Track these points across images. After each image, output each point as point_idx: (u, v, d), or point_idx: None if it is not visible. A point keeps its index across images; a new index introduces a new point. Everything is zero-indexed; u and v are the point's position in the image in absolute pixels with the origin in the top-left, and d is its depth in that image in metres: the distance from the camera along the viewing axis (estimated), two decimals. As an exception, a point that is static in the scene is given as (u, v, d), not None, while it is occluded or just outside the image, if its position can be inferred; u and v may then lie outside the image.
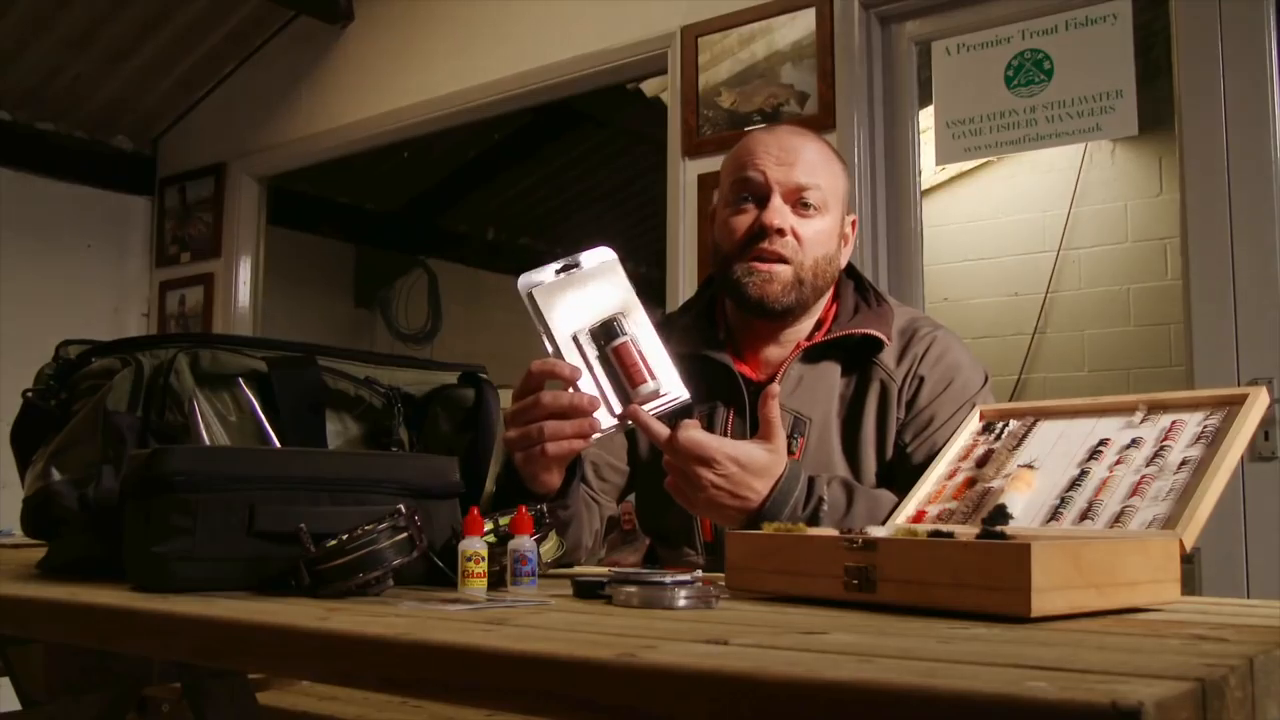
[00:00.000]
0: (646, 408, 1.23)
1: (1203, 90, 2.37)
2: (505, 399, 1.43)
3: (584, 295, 1.25)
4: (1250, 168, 2.32)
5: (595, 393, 1.21)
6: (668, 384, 1.23)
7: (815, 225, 1.47)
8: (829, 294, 1.56)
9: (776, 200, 1.45)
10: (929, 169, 3.39)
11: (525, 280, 1.26)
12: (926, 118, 2.87)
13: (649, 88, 3.99)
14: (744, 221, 1.47)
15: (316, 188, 5.20)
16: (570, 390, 1.22)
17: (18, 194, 4.18)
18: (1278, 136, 2.30)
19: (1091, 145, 4.38)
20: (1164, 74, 2.57)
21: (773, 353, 1.54)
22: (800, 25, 2.92)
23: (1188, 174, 2.39)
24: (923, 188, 2.98)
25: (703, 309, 1.60)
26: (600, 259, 1.27)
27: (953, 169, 4.57)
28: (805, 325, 1.54)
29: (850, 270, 1.60)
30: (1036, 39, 2.63)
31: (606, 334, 1.23)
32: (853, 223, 1.57)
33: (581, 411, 1.21)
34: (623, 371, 1.21)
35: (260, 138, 4.25)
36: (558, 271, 1.26)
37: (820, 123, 2.84)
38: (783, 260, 1.45)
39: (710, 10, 3.08)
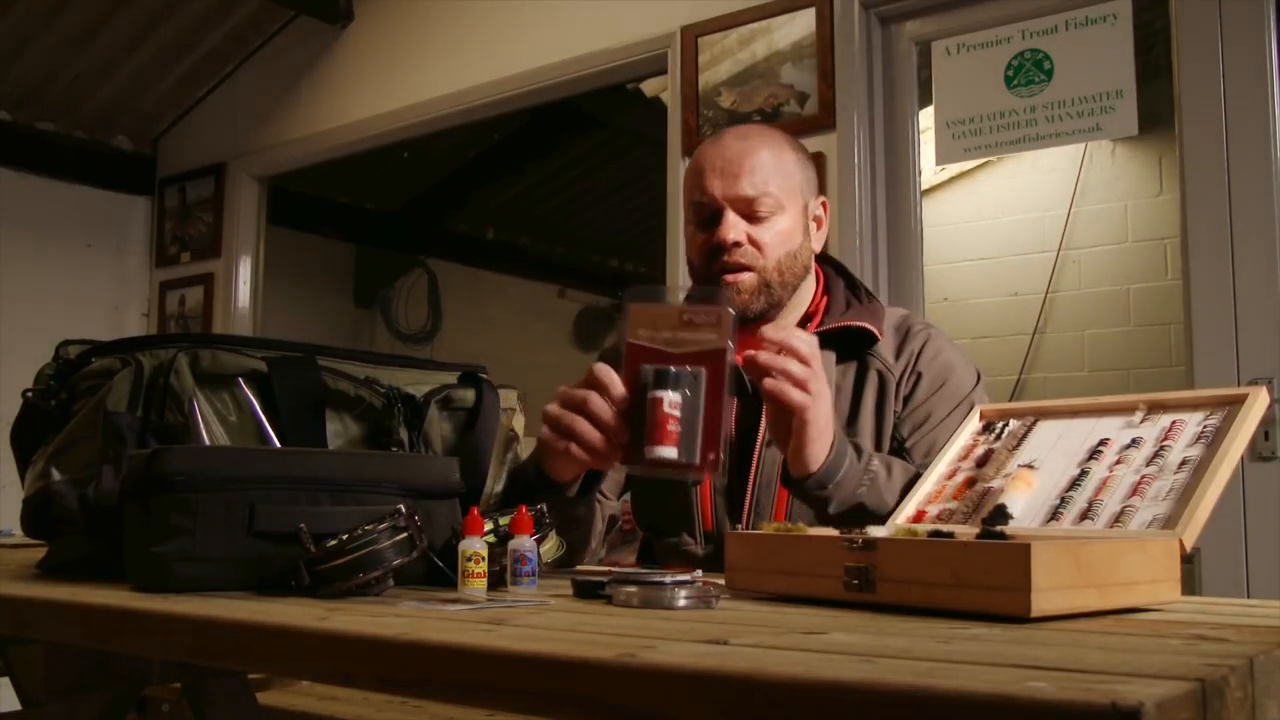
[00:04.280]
0: (658, 471, 1.16)
1: (1203, 90, 2.37)
2: (505, 399, 1.43)
3: (676, 334, 1.18)
4: (1250, 168, 2.31)
5: (635, 426, 1.16)
6: (696, 456, 1.13)
7: (772, 228, 1.50)
8: (817, 288, 1.60)
9: (729, 216, 1.49)
10: (929, 169, 3.39)
11: (633, 291, 1.22)
12: (926, 118, 2.86)
13: (649, 88, 3.99)
14: (703, 240, 1.52)
15: (316, 188, 5.19)
16: (615, 411, 1.18)
17: (18, 194, 4.18)
18: (1278, 136, 2.30)
19: (1091, 145, 4.38)
20: (1164, 74, 2.57)
21: (758, 347, 1.56)
22: (800, 25, 2.92)
23: (1188, 174, 2.39)
24: (923, 188, 2.98)
25: None
26: (716, 312, 1.18)
27: (953, 169, 4.57)
28: (789, 318, 1.56)
29: (840, 269, 1.64)
30: (1036, 39, 2.63)
31: (656, 380, 1.15)
32: (823, 204, 1.60)
33: (612, 436, 1.18)
34: (648, 423, 1.14)
35: (260, 138, 4.25)
36: (669, 298, 1.24)
37: (820, 123, 2.84)
38: (746, 269, 1.49)
39: (710, 10, 3.08)
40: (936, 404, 1.48)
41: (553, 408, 1.24)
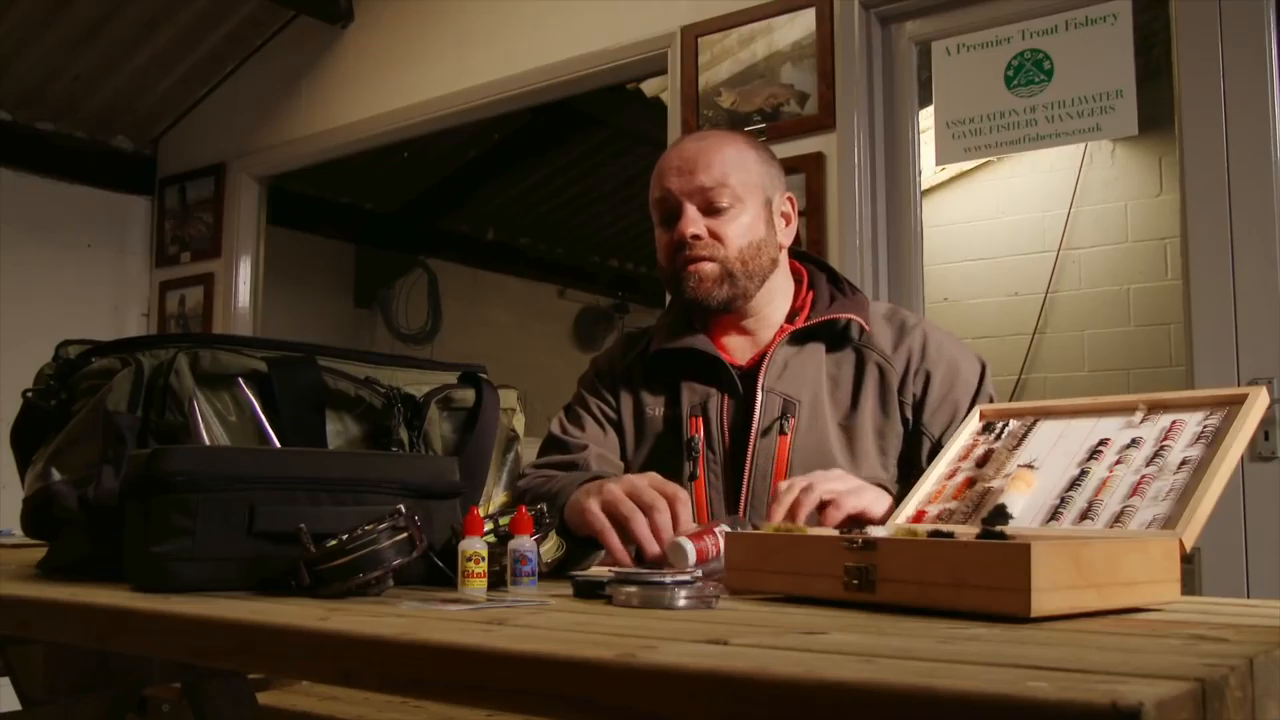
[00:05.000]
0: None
1: (1203, 90, 2.37)
2: (505, 399, 1.43)
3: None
4: (1250, 168, 2.31)
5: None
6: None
7: (732, 220, 1.54)
8: (802, 284, 1.63)
9: (689, 211, 1.53)
10: (929, 169, 3.39)
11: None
12: (926, 118, 2.86)
13: (649, 88, 3.99)
14: (667, 238, 1.56)
15: (316, 188, 5.19)
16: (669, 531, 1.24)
17: (18, 194, 4.18)
18: (1278, 136, 2.30)
19: (1091, 145, 4.38)
20: (1164, 74, 2.57)
21: (743, 341, 1.61)
22: (800, 25, 2.92)
23: (1188, 174, 2.38)
24: (923, 188, 2.97)
25: (680, 311, 1.66)
26: None
27: (953, 169, 4.57)
28: (772, 311, 1.60)
29: (821, 264, 1.68)
30: (1036, 39, 2.63)
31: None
32: (790, 200, 1.63)
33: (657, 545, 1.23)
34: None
35: (260, 138, 4.25)
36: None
37: (820, 123, 2.84)
38: (707, 259, 1.53)
39: (710, 10, 3.08)
40: (959, 397, 1.51)
41: (617, 490, 1.27)
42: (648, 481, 1.29)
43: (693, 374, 1.57)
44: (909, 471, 1.49)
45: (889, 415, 1.52)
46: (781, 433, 1.50)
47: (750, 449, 1.50)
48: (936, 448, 1.49)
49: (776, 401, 1.52)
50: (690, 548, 1.15)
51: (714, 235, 1.53)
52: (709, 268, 1.52)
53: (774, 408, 1.51)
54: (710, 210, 1.53)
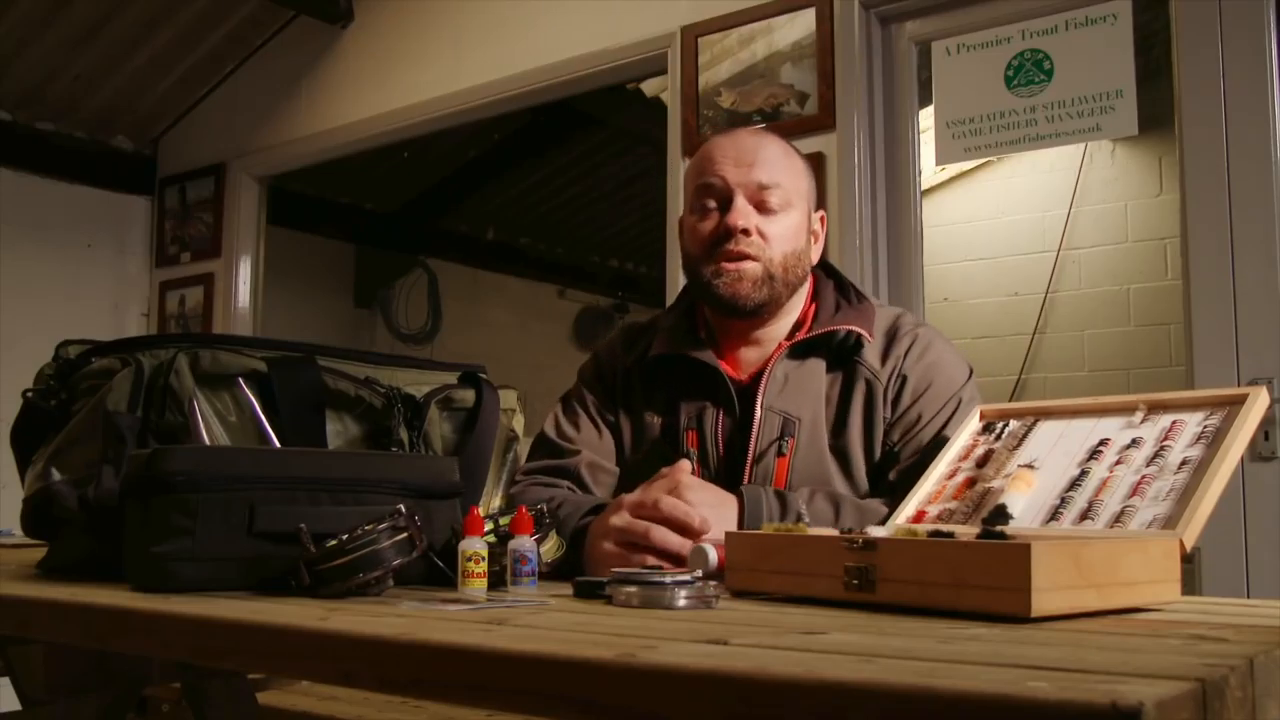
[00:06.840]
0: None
1: (1203, 90, 2.37)
2: (505, 399, 1.43)
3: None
4: (1250, 168, 2.31)
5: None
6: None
7: (780, 222, 1.48)
8: (808, 293, 1.56)
9: (739, 201, 1.46)
10: (929, 169, 3.39)
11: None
12: (926, 118, 2.86)
13: (649, 88, 3.99)
14: (709, 225, 1.48)
15: (316, 188, 5.19)
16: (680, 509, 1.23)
17: (18, 194, 4.18)
18: (1278, 136, 2.30)
19: (1091, 145, 4.38)
20: (1164, 74, 2.57)
21: (750, 353, 1.54)
22: (800, 25, 2.92)
23: (1188, 174, 2.39)
24: (923, 188, 2.97)
25: (684, 312, 1.61)
26: None
27: (953, 169, 4.57)
28: (782, 324, 1.54)
29: (830, 270, 1.61)
30: (1036, 39, 2.63)
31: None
32: (821, 219, 1.58)
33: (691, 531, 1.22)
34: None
35: (260, 138, 4.25)
36: None
37: (820, 123, 2.84)
38: (750, 258, 1.46)
39: (710, 10, 3.08)
40: (925, 405, 1.45)
41: (621, 521, 1.25)
42: (644, 495, 1.26)
43: (691, 384, 1.51)
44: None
45: (874, 430, 1.46)
46: (780, 454, 1.44)
47: (747, 472, 1.45)
48: (888, 452, 1.45)
49: (776, 420, 1.46)
50: (713, 552, 1.14)
51: (760, 233, 1.46)
52: (751, 267, 1.46)
53: (773, 427, 1.45)
54: (761, 208, 1.47)
